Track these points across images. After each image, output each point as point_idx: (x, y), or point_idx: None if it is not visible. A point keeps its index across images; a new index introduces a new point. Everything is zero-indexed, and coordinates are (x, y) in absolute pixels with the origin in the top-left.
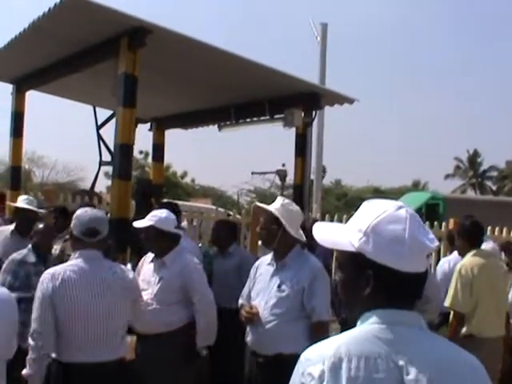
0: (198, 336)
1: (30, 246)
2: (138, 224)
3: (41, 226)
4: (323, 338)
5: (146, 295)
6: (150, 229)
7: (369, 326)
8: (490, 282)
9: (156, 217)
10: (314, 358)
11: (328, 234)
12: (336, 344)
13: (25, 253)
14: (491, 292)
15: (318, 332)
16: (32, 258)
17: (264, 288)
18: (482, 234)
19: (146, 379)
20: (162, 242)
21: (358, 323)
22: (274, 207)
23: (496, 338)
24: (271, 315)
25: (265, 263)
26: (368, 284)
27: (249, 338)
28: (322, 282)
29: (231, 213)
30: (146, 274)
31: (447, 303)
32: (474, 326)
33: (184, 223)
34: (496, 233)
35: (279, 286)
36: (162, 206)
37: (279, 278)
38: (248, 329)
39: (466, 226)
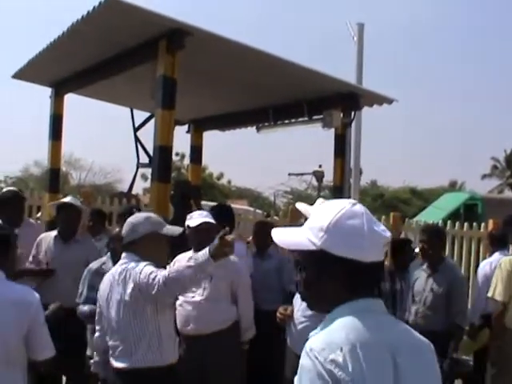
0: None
1: (108, 253)
2: (194, 222)
3: (117, 229)
4: None
5: (197, 296)
6: (209, 225)
7: (349, 317)
8: None
9: (205, 214)
10: (330, 346)
11: (287, 236)
12: (343, 332)
13: (103, 261)
14: None
15: None
16: (110, 266)
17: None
18: None
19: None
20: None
21: (330, 317)
22: (311, 210)
23: None
24: (303, 317)
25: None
26: (335, 278)
27: (288, 340)
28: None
29: (269, 214)
30: None
31: (489, 293)
32: (509, 318)
33: None
34: None
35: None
36: (213, 208)
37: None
38: (287, 330)
39: None
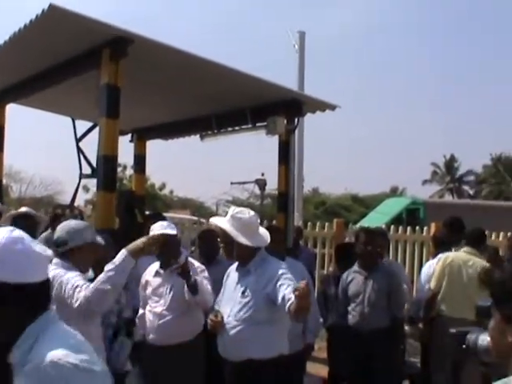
0: None
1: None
2: (169, 231)
3: None
4: None
5: (159, 307)
6: (174, 237)
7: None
8: (460, 270)
9: (170, 225)
10: None
11: None
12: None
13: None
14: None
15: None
16: None
17: (230, 294)
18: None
19: None
20: (177, 250)
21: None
22: (225, 220)
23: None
24: (236, 321)
25: (233, 270)
26: (18, 304)
27: (219, 346)
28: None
29: (203, 220)
30: (155, 285)
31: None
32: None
33: None
34: None
35: (243, 292)
36: (149, 217)
37: (243, 284)
38: (218, 338)
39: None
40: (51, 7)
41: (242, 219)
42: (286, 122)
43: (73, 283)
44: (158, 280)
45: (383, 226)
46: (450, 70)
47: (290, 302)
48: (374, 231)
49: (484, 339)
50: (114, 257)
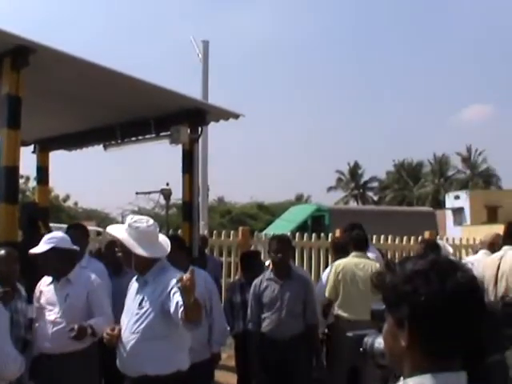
0: None
1: None
2: (37, 250)
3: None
4: None
5: (53, 315)
6: (50, 251)
7: None
8: (353, 274)
9: (54, 238)
10: None
11: None
12: None
13: None
14: (356, 284)
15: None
16: None
17: (129, 306)
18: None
19: None
20: (64, 262)
21: None
22: (122, 229)
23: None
24: (132, 334)
25: (134, 280)
26: None
27: (117, 360)
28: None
29: (100, 229)
30: (49, 295)
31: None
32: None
33: None
34: (382, 241)
35: (140, 304)
36: (68, 228)
37: (141, 295)
38: (117, 352)
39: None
40: None
41: (140, 228)
42: (189, 131)
43: None
44: (52, 289)
45: (288, 233)
46: (355, 76)
47: (182, 308)
48: (285, 239)
49: (380, 342)
50: (17, 270)
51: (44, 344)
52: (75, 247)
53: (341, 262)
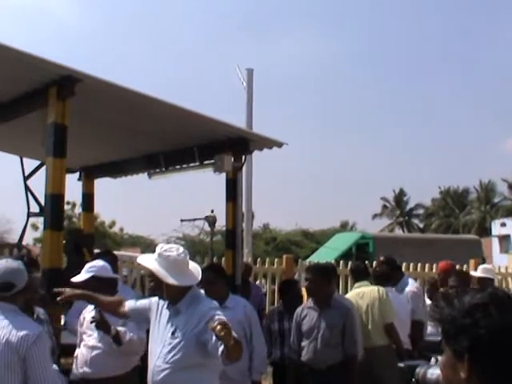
0: None
1: None
2: (77, 278)
3: None
4: None
5: (92, 340)
6: (91, 280)
7: None
8: (357, 306)
9: (95, 267)
10: None
11: None
12: None
13: None
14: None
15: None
16: None
17: (160, 334)
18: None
19: None
20: (104, 290)
21: None
22: (152, 259)
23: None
24: (165, 363)
25: (165, 307)
26: None
27: None
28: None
29: None
30: (89, 321)
31: None
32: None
33: None
34: (426, 269)
35: (173, 333)
36: (98, 255)
37: (173, 324)
38: (147, 379)
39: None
40: None
41: (170, 257)
42: (233, 159)
43: None
44: (92, 315)
45: (333, 261)
46: (400, 103)
47: (222, 347)
48: (317, 267)
49: (433, 373)
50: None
51: (84, 369)
52: (115, 275)
53: (348, 296)
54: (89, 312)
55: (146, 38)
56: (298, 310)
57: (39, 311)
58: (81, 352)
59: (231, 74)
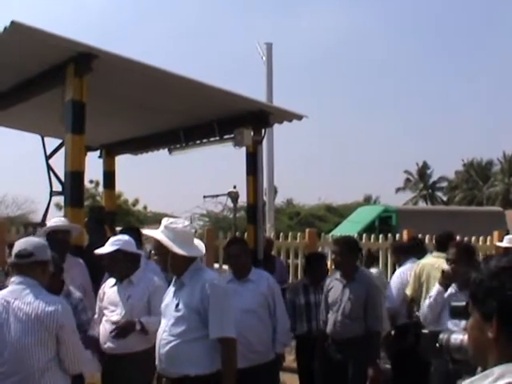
0: None
1: None
2: (102, 250)
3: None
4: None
5: (115, 316)
6: (116, 253)
7: None
8: (430, 276)
9: (120, 241)
10: None
11: None
12: None
13: None
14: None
15: (223, 349)
16: None
17: (167, 308)
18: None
19: None
20: (128, 264)
21: None
22: (158, 231)
23: None
24: (170, 336)
25: (172, 282)
26: None
27: (156, 362)
28: (215, 299)
29: None
30: (112, 296)
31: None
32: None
33: None
34: None
35: (177, 306)
36: (122, 231)
37: (177, 298)
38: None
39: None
40: (14, 24)
41: (176, 229)
42: (252, 133)
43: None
44: (115, 290)
45: (355, 235)
46: (422, 76)
47: None
48: (342, 240)
49: (456, 338)
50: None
51: (107, 344)
52: (139, 251)
53: (420, 262)
54: (109, 287)
55: (166, 14)
56: (327, 281)
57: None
58: (103, 327)
59: (251, 48)
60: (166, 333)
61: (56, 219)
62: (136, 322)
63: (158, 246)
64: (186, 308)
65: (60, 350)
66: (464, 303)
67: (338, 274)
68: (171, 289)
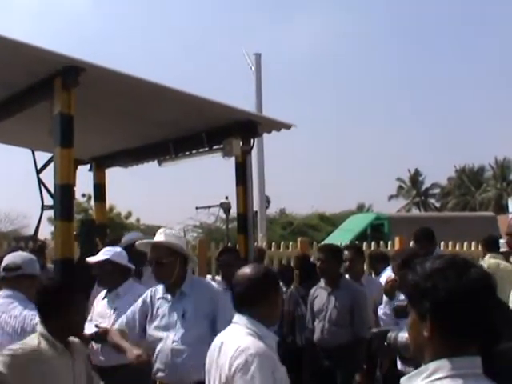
0: None
1: None
2: (93, 259)
3: None
4: None
5: (103, 326)
6: (105, 263)
7: None
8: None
9: (111, 251)
10: None
11: None
12: None
13: None
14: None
15: None
16: None
17: (168, 321)
18: None
19: None
20: (117, 275)
21: None
22: (161, 237)
23: None
24: (183, 345)
25: (157, 296)
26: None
27: (162, 374)
28: (224, 302)
29: None
30: (100, 308)
31: None
32: None
33: None
34: (442, 247)
35: (183, 316)
36: (111, 242)
37: (180, 307)
38: (157, 363)
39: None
40: None
41: (180, 236)
42: (241, 143)
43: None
44: (104, 303)
45: (347, 243)
46: (412, 80)
47: None
48: (327, 248)
49: (403, 336)
50: None
51: (97, 357)
52: (130, 265)
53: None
54: (99, 299)
55: (153, 24)
56: (312, 290)
57: None
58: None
59: (240, 59)
60: (175, 343)
61: (133, 233)
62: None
63: (166, 254)
64: (195, 316)
65: None
66: (406, 303)
67: (322, 283)
68: (160, 302)
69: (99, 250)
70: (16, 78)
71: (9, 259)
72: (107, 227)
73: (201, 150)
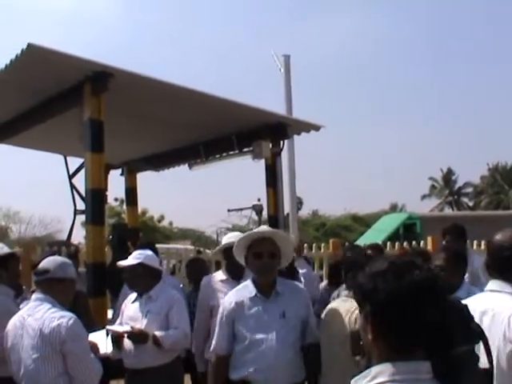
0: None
1: None
2: (125, 263)
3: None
4: None
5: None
6: (137, 266)
7: None
8: None
9: (143, 255)
10: None
11: None
12: None
13: None
14: None
15: (314, 353)
16: None
17: (264, 322)
18: None
19: None
20: (149, 279)
21: None
22: (276, 232)
23: None
24: (285, 346)
25: (246, 297)
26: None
27: (261, 376)
28: (310, 305)
29: (201, 249)
30: (131, 311)
31: None
32: None
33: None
34: (475, 246)
35: (284, 315)
36: (140, 246)
37: (281, 307)
38: (254, 364)
39: None
40: (30, 46)
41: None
42: (271, 145)
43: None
44: (134, 306)
45: (380, 243)
46: (446, 80)
47: None
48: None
49: None
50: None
51: (129, 359)
52: (160, 268)
53: None
54: (130, 302)
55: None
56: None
57: None
58: (125, 343)
59: (269, 61)
60: (278, 344)
61: (230, 235)
62: (149, 335)
63: (275, 250)
64: (294, 316)
65: (68, 366)
66: None
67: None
68: (254, 303)
69: (131, 254)
70: (46, 85)
71: (42, 264)
72: (139, 231)
73: (231, 152)
